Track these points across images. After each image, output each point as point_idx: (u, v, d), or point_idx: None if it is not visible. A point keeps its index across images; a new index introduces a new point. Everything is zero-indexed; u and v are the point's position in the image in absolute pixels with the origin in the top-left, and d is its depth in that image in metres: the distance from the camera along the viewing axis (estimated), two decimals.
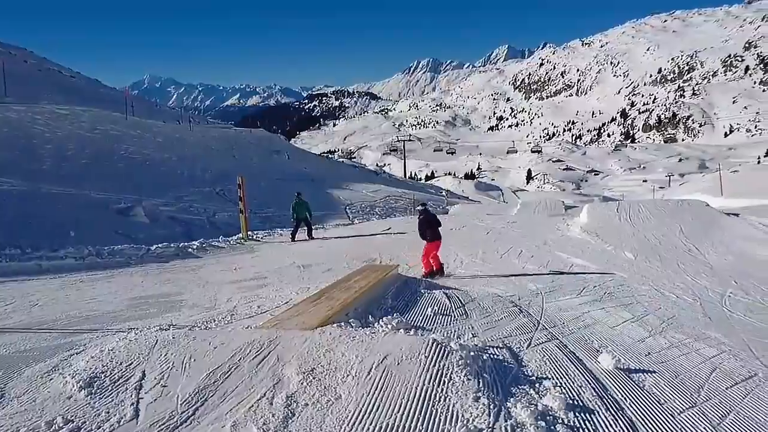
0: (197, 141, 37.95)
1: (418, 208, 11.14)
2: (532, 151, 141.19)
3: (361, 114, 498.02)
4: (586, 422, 3.64)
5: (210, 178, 27.54)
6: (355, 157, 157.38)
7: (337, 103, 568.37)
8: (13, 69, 48.38)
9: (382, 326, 5.56)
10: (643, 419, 3.79)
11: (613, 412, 3.83)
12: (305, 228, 16.66)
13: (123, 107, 40.89)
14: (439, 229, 10.36)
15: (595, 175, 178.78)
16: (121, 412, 3.60)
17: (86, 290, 8.72)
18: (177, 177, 26.33)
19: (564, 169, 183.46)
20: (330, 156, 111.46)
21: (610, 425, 3.64)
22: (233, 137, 46.52)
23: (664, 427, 3.71)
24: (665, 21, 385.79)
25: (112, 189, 20.46)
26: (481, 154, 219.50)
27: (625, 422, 3.70)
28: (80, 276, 9.96)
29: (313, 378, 4.02)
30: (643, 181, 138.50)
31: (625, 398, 4.12)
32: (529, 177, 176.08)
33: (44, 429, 3.38)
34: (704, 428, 3.74)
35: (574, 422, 3.60)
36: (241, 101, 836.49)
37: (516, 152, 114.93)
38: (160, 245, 13.49)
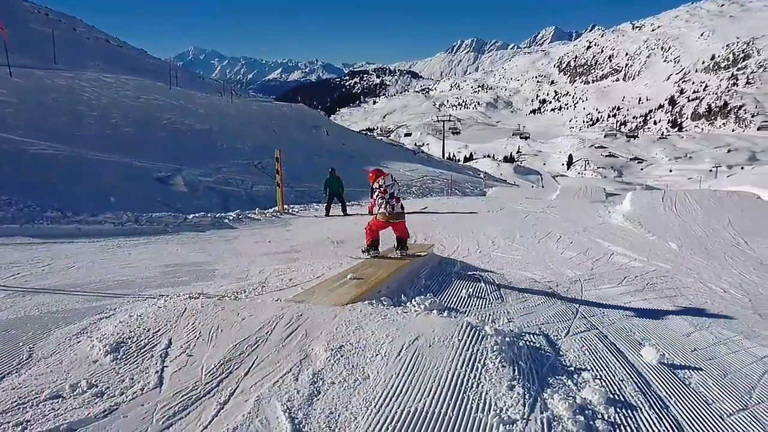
0: (238, 114, 38.20)
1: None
2: (628, 136, 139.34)
3: (401, 92, 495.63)
4: (628, 419, 3.41)
5: (249, 151, 27.70)
6: (408, 134, 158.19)
7: (378, 81, 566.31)
8: (62, 36, 49.32)
9: (414, 306, 5.39)
10: (689, 419, 3.54)
11: (657, 410, 3.59)
12: (339, 203, 16.64)
13: (167, 78, 41.37)
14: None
15: (638, 163, 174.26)
16: (145, 380, 3.53)
17: (122, 255, 8.79)
18: (217, 148, 26.56)
19: (606, 156, 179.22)
20: (369, 133, 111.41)
21: (654, 424, 3.40)
22: (273, 111, 46.69)
23: (712, 430, 3.47)
24: (722, 5, 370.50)
25: (153, 157, 20.74)
26: (521, 137, 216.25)
27: (670, 421, 3.46)
28: (118, 241, 10.06)
29: (341, 356, 3.89)
30: (669, 171, 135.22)
31: (669, 396, 3.87)
32: (570, 162, 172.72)
33: (68, 392, 3.34)
34: None
35: (615, 418, 3.38)
36: (283, 76, 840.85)
37: (520, 134, 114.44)
38: (197, 214, 13.58)
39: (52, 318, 4.84)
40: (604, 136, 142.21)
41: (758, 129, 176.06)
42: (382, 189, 7.73)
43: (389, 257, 7.77)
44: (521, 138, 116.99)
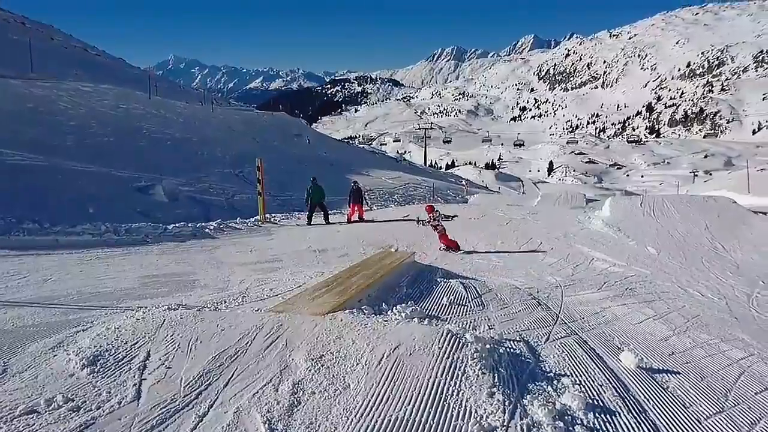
0: (219, 123, 38.05)
1: (352, 184, 17.58)
2: (628, 141, 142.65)
3: (383, 101, 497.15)
4: (607, 424, 3.43)
5: (230, 160, 27.58)
6: (384, 143, 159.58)
7: (359, 89, 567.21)
8: (40, 46, 48.79)
9: (395, 314, 5.38)
10: (667, 423, 3.58)
11: (635, 414, 3.62)
12: (321, 212, 16.63)
13: (147, 87, 41.11)
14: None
15: (617, 169, 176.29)
16: (123, 393, 3.49)
17: (101, 267, 8.68)
18: (197, 157, 26.39)
19: (586, 162, 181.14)
20: (350, 141, 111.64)
21: (633, 428, 3.43)
22: (255, 120, 46.60)
23: None
24: (697, 14, 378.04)
25: (132, 167, 20.54)
26: (502, 144, 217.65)
27: (648, 426, 3.50)
28: (96, 252, 9.93)
29: (322, 365, 3.88)
30: (641, 176, 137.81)
31: (648, 400, 3.91)
32: (551, 169, 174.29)
33: (43, 407, 3.28)
34: None
35: (594, 424, 3.40)
36: (264, 84, 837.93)
37: (490, 141, 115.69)
38: (177, 225, 13.45)
39: (28, 332, 4.77)
40: (567, 143, 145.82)
41: (704, 137, 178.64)
42: (435, 218, 11.52)
43: (371, 266, 7.75)
44: (515, 145, 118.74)
